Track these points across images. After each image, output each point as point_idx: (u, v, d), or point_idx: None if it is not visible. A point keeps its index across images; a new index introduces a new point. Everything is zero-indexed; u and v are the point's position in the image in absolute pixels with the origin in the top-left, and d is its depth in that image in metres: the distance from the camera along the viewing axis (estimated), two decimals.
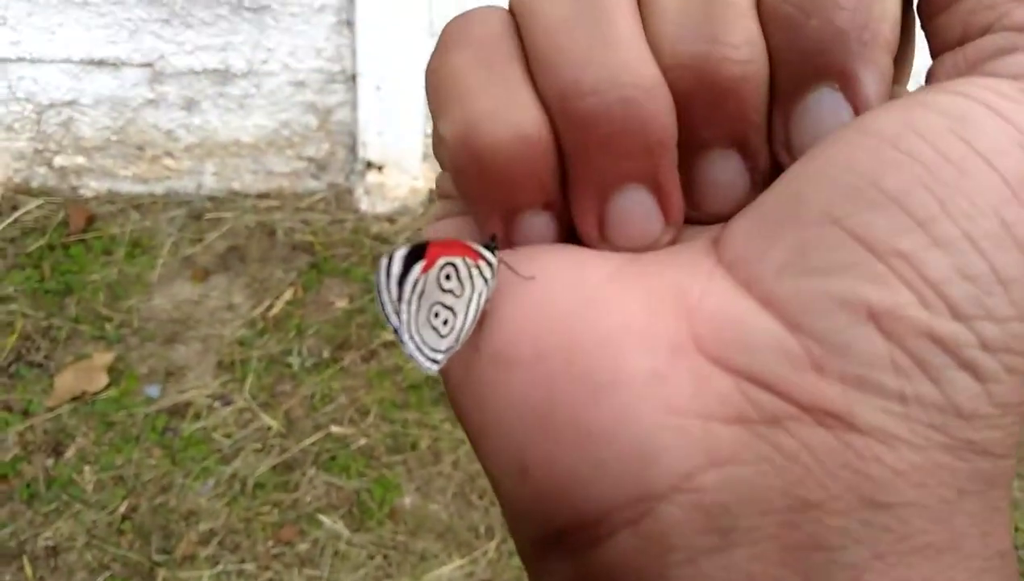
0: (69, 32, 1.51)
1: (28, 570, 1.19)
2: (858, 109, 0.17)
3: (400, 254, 0.18)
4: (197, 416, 1.36)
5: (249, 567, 1.22)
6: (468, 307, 0.19)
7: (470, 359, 0.18)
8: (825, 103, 0.18)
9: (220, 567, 1.21)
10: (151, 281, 1.54)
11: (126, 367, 1.42)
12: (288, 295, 1.52)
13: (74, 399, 1.37)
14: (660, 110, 0.17)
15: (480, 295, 0.19)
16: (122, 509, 1.25)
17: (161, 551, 1.22)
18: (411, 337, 0.19)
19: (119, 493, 1.27)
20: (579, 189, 0.19)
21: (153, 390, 1.39)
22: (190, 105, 1.60)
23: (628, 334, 0.17)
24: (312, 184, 1.69)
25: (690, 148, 0.18)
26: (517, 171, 0.18)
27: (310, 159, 1.67)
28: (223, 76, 1.57)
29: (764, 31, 0.18)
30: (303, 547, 1.25)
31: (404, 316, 0.18)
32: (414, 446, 1.35)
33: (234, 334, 1.47)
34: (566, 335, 0.17)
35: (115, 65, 1.54)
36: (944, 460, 0.15)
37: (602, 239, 0.19)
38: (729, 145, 0.19)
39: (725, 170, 0.19)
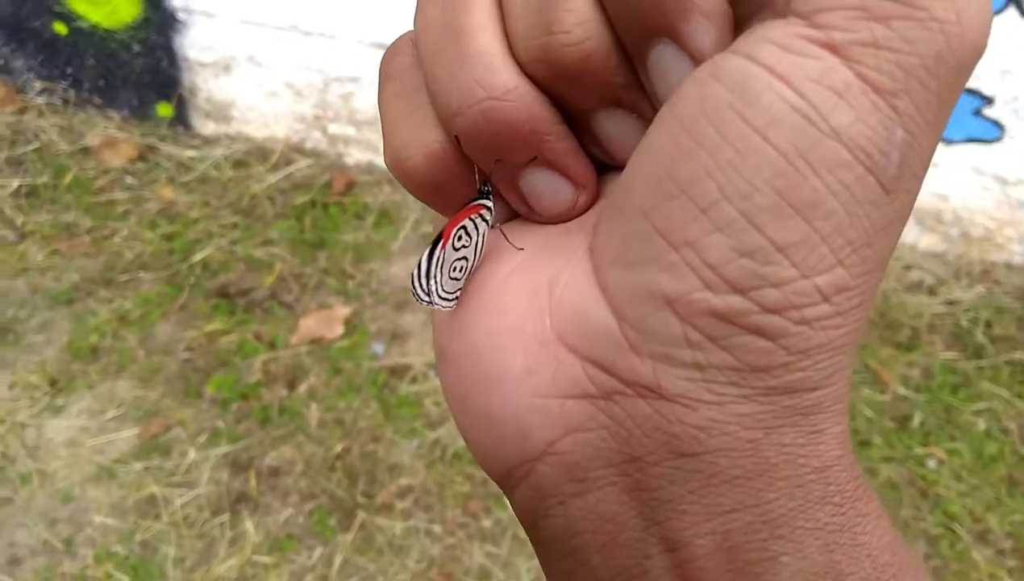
0: (364, 16, 1.68)
1: (252, 482, 1.33)
2: (695, 59, 0.18)
3: (424, 256, 0.21)
4: (413, 380, 1.47)
5: (437, 529, 1.30)
6: (476, 248, 0.22)
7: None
8: (666, 57, 0.18)
9: (412, 522, 1.30)
10: (392, 250, 1.68)
11: (360, 322, 1.55)
12: None
13: (312, 342, 1.52)
14: (522, 107, 0.19)
15: (484, 234, 0.22)
16: (337, 449, 1.37)
17: (364, 494, 1.33)
18: (439, 296, 0.21)
19: (337, 433, 1.39)
20: (494, 180, 0.21)
21: (379, 348, 1.52)
22: None
23: (509, 335, 0.20)
24: None
25: (581, 113, 0.20)
26: (438, 182, 0.21)
27: None
28: None
29: (601, 2, 0.18)
30: (486, 523, 1.31)
31: (434, 286, 0.21)
32: None
33: None
34: (471, 338, 0.21)
35: None
36: (745, 409, 0.17)
37: (532, 213, 0.22)
38: (608, 105, 0.20)
39: (615, 125, 0.20)
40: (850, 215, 0.16)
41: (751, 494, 0.17)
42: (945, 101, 0.16)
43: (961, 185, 1.74)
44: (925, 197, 1.77)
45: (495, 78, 0.19)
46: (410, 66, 0.22)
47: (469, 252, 0.22)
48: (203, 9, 1.74)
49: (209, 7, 1.74)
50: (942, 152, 1.70)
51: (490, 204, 0.22)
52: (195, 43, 1.80)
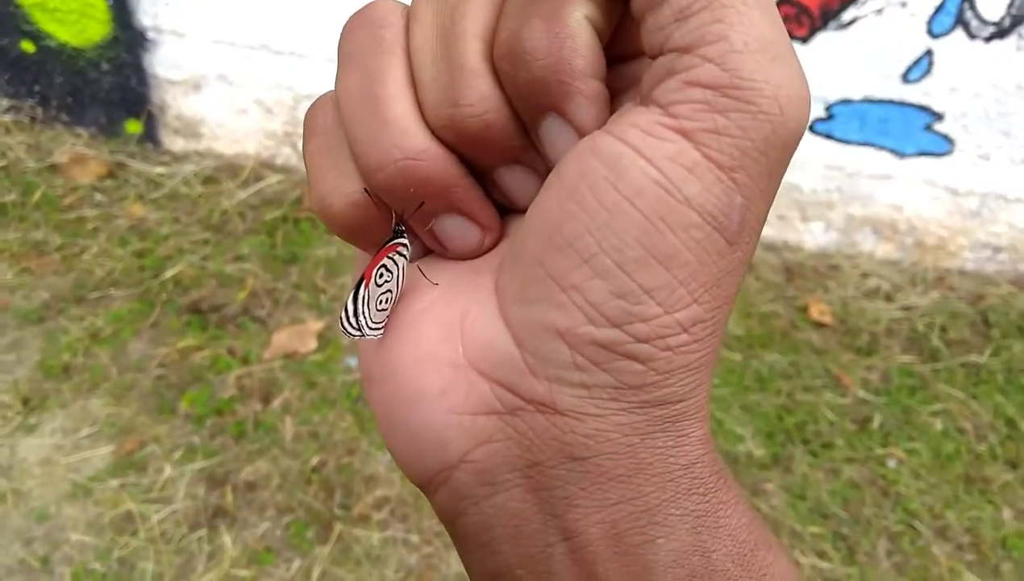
0: (334, 35, 1.69)
1: (229, 497, 1.34)
2: (578, 131, 0.22)
3: (349, 298, 0.23)
4: None
5: (413, 538, 1.32)
6: (398, 280, 0.25)
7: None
8: (554, 129, 0.22)
9: (389, 532, 1.32)
10: None
11: (333, 336, 1.57)
12: None
13: (286, 356, 1.53)
14: (433, 166, 0.22)
15: (403, 267, 0.25)
16: (313, 462, 1.39)
17: (341, 506, 1.34)
18: (369, 328, 0.24)
19: (312, 447, 1.41)
20: (411, 225, 0.24)
21: (353, 361, 1.53)
22: None
23: (427, 360, 0.23)
24: None
25: (486, 169, 0.24)
26: (360, 226, 0.24)
27: None
28: None
29: (499, 80, 0.22)
30: None
31: (364, 321, 0.24)
32: None
33: None
34: (394, 363, 0.24)
35: None
36: (624, 419, 0.21)
37: (445, 251, 0.25)
38: (507, 162, 0.23)
39: (514, 179, 0.24)
40: (701, 264, 0.20)
41: (631, 489, 0.21)
42: (774, 172, 0.20)
43: (915, 196, 1.81)
44: (881, 208, 1.83)
45: (409, 142, 0.22)
46: (332, 124, 0.24)
47: (392, 285, 0.24)
48: (173, 29, 1.75)
49: (179, 27, 1.75)
50: (897, 165, 1.77)
51: (405, 241, 0.25)
52: (165, 61, 1.81)
